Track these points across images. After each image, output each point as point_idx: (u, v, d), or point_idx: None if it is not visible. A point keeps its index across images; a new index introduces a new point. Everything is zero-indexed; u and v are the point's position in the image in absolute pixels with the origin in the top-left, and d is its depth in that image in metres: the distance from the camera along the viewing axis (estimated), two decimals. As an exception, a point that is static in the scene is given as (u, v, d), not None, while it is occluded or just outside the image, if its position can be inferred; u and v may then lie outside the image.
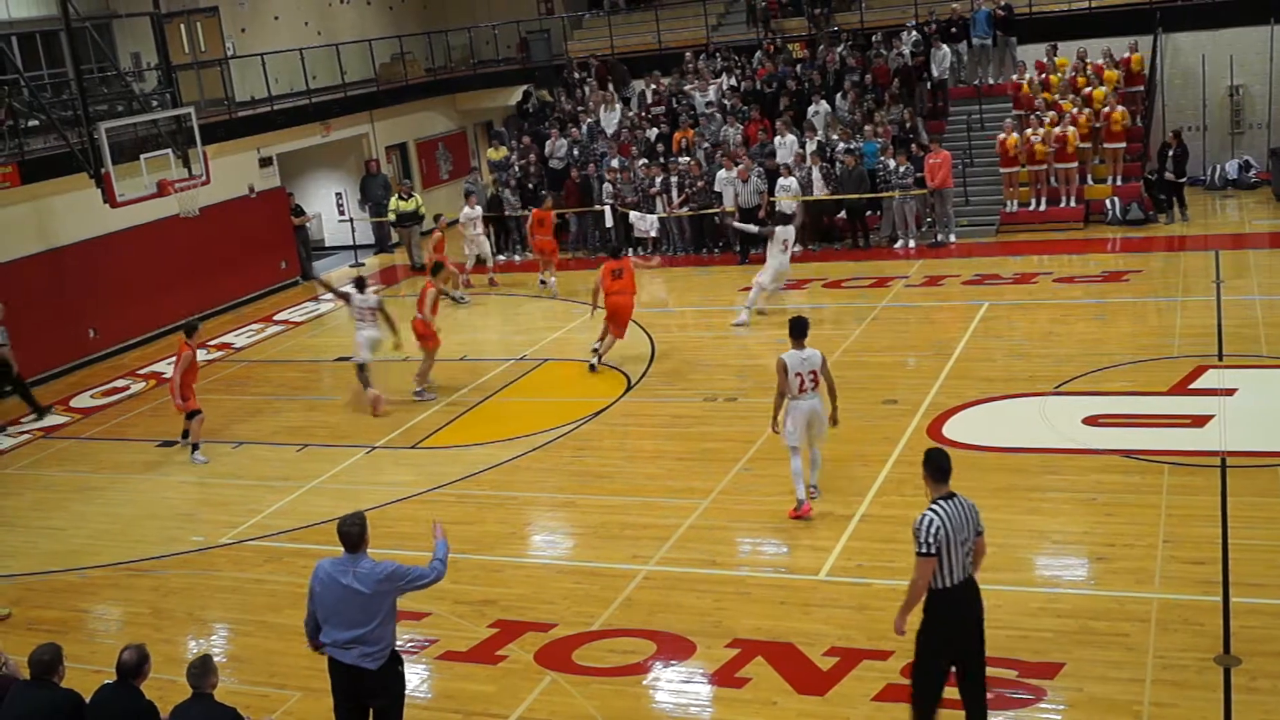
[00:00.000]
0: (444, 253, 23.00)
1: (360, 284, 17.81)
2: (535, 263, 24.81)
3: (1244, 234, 22.62)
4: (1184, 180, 24.37)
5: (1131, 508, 11.79)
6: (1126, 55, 26.43)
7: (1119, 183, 24.76)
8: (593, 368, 18.15)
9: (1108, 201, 24.38)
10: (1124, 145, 24.80)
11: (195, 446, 16.24)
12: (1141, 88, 26.31)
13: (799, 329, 12.17)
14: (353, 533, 8.03)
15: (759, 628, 10.27)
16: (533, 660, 10.17)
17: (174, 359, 16.28)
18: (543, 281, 24.06)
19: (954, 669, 8.06)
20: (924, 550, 7.70)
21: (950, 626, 7.96)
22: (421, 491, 14.27)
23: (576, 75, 31.50)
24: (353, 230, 29.37)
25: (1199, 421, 13.61)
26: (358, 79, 31.02)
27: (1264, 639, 9.26)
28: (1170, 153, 24.22)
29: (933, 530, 7.68)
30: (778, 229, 20.10)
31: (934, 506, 7.80)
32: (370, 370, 17.43)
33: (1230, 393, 14.39)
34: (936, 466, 7.88)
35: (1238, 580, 10.15)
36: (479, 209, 25.59)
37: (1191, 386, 14.73)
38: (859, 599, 10.58)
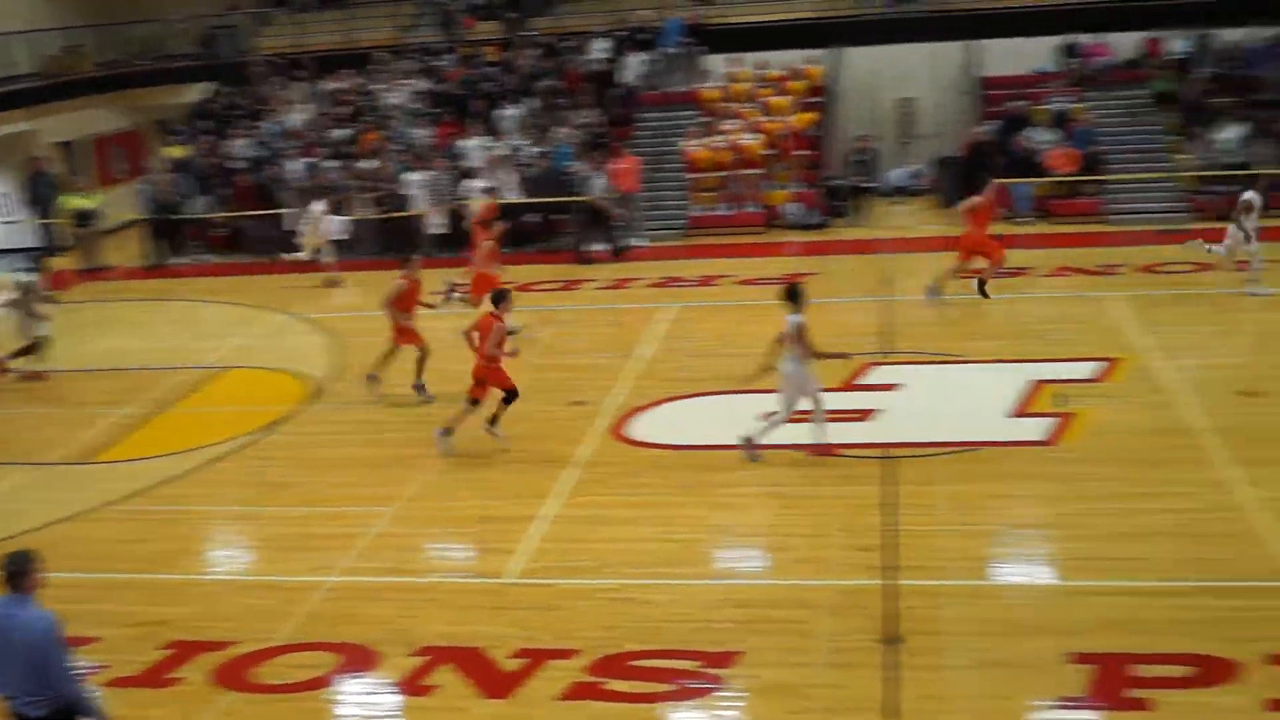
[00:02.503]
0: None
1: None
2: (212, 267, 24.00)
3: (912, 238, 23.99)
4: (875, 184, 25.73)
5: (808, 499, 12.28)
6: (807, 67, 27.62)
7: (798, 189, 25.84)
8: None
9: (788, 206, 25.42)
10: (803, 152, 25.91)
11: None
12: (820, 98, 27.54)
13: (785, 294, 13.00)
14: (10, 572, 7.41)
15: (446, 633, 10.15)
16: (208, 681, 9.73)
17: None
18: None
19: None
20: None
21: None
22: (88, 509, 13.44)
23: (263, 73, 30.55)
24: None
25: (867, 415, 14.31)
26: (23, 71, 29.13)
27: (925, 619, 9.78)
28: (858, 158, 25.54)
29: None
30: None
31: None
32: None
33: (894, 388, 15.23)
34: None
35: (902, 565, 10.70)
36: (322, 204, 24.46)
37: (859, 382, 15.47)
38: (546, 600, 10.60)
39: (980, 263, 18.74)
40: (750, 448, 13.21)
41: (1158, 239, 22.44)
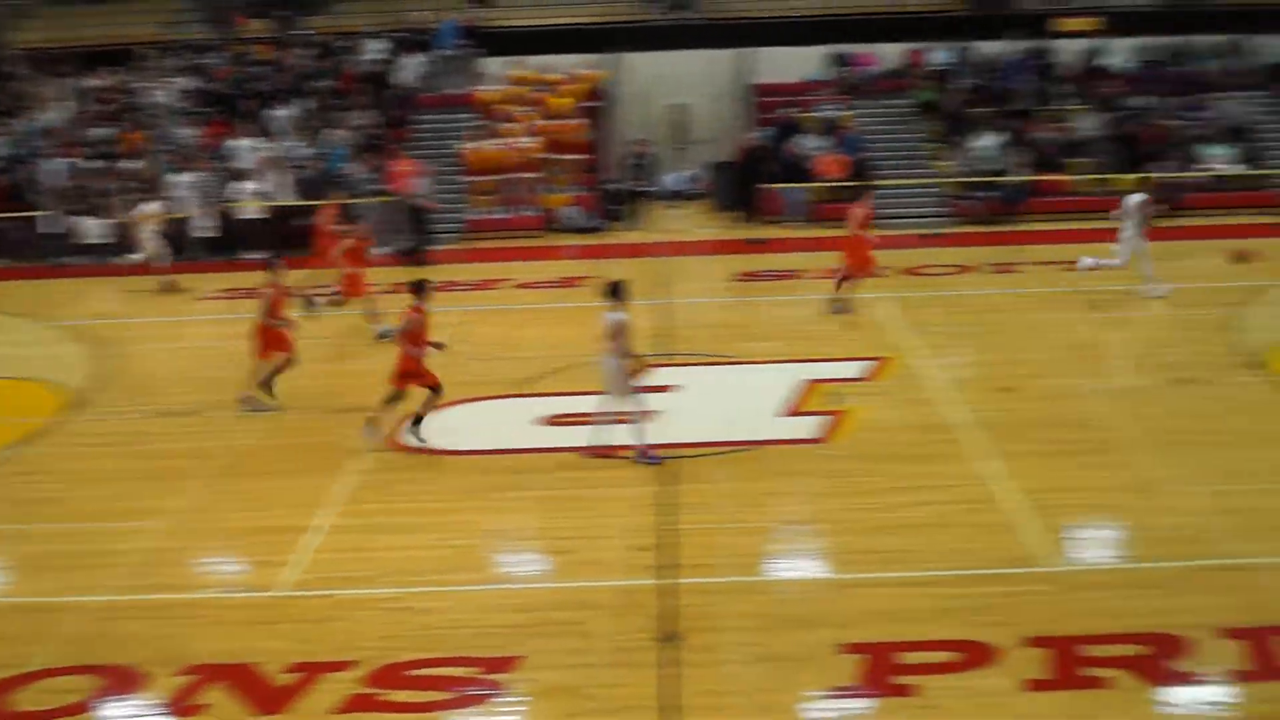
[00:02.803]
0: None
1: None
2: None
3: (687, 241, 24.40)
4: (653, 188, 26.10)
5: (589, 501, 12.32)
6: (585, 71, 27.79)
7: (576, 192, 25.99)
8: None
9: (565, 209, 25.54)
10: (581, 156, 26.07)
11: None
12: (599, 103, 27.76)
13: (607, 290, 12.99)
14: None
15: (216, 650, 9.80)
16: (-45, 712, 9.19)
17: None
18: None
19: None
20: None
21: None
22: None
23: (19, 68, 29.12)
24: None
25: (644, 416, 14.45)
26: None
27: (702, 615, 9.93)
28: (635, 162, 25.87)
29: None
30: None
31: None
32: None
33: (671, 389, 15.43)
34: None
35: (679, 563, 10.84)
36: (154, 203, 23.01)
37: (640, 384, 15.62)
38: (322, 612, 10.35)
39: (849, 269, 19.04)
40: (643, 455, 13.10)
41: (921, 242, 23.38)
